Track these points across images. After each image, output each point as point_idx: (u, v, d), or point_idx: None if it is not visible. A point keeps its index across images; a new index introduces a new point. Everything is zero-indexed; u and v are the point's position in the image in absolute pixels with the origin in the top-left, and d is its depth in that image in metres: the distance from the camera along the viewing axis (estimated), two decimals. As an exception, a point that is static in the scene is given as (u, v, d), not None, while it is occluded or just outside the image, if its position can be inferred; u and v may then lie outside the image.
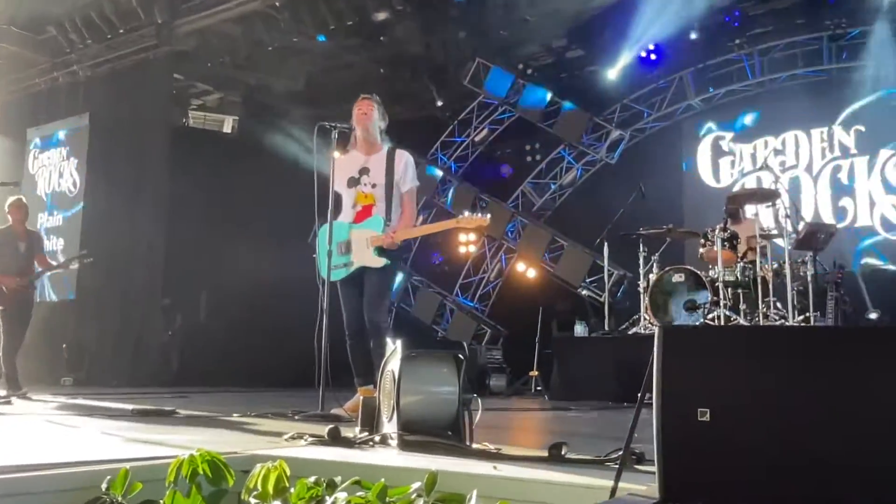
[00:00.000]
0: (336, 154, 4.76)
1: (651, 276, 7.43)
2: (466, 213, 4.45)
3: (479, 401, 3.04)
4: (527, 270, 11.54)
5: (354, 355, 4.65)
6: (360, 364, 4.63)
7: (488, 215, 4.48)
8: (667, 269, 7.38)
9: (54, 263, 7.75)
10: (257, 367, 9.77)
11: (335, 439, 2.85)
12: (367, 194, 4.70)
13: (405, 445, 2.77)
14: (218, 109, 12.96)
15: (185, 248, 9.96)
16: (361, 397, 3.57)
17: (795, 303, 6.61)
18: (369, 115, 4.72)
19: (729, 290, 6.94)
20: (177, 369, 9.85)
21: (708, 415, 1.56)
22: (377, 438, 2.90)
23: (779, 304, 6.76)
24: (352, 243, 4.63)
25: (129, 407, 4.81)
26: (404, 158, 4.74)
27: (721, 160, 10.54)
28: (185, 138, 11.00)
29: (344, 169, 4.74)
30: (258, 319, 10.44)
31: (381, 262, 4.54)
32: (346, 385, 4.72)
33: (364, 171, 4.72)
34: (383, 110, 4.82)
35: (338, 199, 4.78)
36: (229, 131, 13.14)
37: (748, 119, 10.42)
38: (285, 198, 10.49)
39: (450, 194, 11.92)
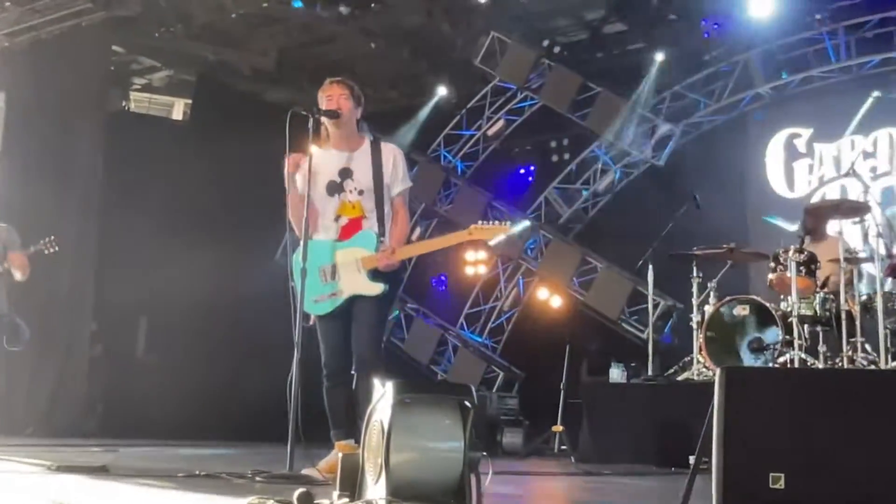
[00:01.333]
0: (314, 148, 4.75)
1: (707, 307, 7.42)
2: (480, 222, 4.46)
3: (490, 461, 3.03)
4: (550, 298, 11.53)
5: (333, 402, 4.64)
6: (340, 413, 4.62)
7: (508, 223, 4.50)
8: (727, 299, 7.36)
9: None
10: (209, 415, 9.73)
11: (307, 506, 2.84)
12: (353, 203, 4.69)
13: (395, 515, 2.76)
14: (166, 91, 13.02)
15: (121, 263, 9.97)
16: (340, 454, 3.56)
17: (889, 344, 6.59)
18: (343, 107, 4.68)
19: (805, 326, 6.92)
20: (105, 415, 9.82)
21: (782, 481, 1.54)
22: (360, 506, 2.89)
23: (868, 346, 6.73)
24: (338, 267, 4.61)
25: (48, 462, 4.79)
26: (392, 153, 4.74)
27: (796, 163, 10.56)
28: (124, 125, 11.05)
29: (320, 171, 4.71)
30: (211, 354, 10.42)
31: (377, 288, 4.53)
32: (319, 440, 4.71)
33: (346, 172, 4.71)
34: (359, 93, 4.80)
35: (314, 210, 4.77)
36: (180, 118, 13.19)
37: (830, 112, 10.43)
38: (249, 202, 10.53)
39: (454, 200, 11.95)
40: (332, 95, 4.71)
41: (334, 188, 4.72)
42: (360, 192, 4.67)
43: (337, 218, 4.70)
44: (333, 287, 4.60)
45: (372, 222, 4.65)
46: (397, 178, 4.70)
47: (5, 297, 7.59)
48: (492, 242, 4.53)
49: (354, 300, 4.58)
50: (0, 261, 7.33)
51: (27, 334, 7.77)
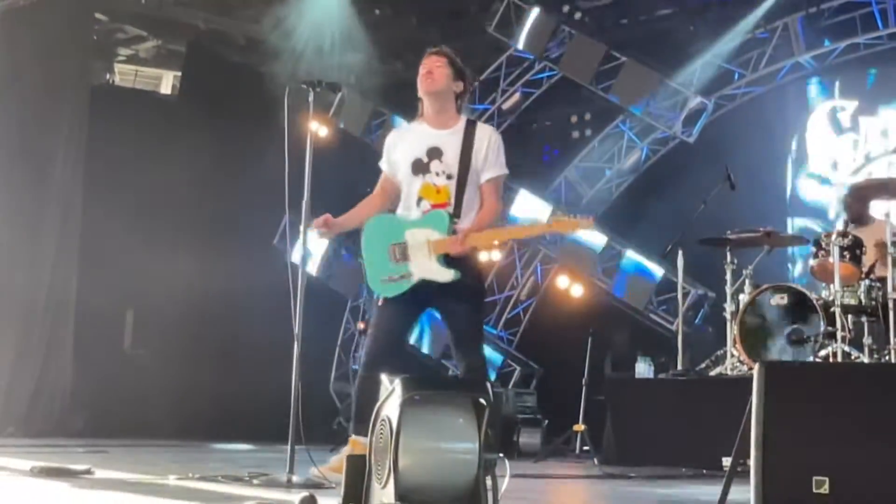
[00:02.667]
0: (401, 123, 4.74)
1: (742, 296, 7.40)
2: (560, 214, 4.41)
3: (507, 463, 3.03)
4: (571, 286, 11.51)
5: (365, 394, 4.44)
6: (370, 407, 4.56)
7: (592, 216, 4.41)
8: (764, 287, 7.35)
9: None
10: (201, 413, 9.77)
11: (309, 512, 2.85)
12: (438, 188, 4.57)
13: (405, 522, 2.77)
14: (154, 62, 13.03)
15: (106, 250, 9.99)
16: (346, 454, 3.56)
17: (941, 336, 6.57)
18: (438, 77, 4.61)
19: (849, 317, 6.89)
20: (92, 414, 9.87)
21: (827, 485, 1.54)
22: (366, 512, 2.89)
23: (918, 338, 6.71)
24: (409, 248, 4.53)
25: (28, 465, 4.82)
26: (488, 135, 4.63)
27: (840, 139, 10.50)
28: (108, 101, 11.05)
29: (406, 145, 4.66)
30: (204, 349, 10.45)
31: (448, 274, 4.43)
32: (322, 441, 4.72)
33: (435, 152, 4.60)
34: (461, 67, 4.71)
35: (389, 186, 4.72)
36: (169, 92, 13.19)
37: (877, 83, 10.37)
38: (244, 182, 10.53)
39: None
40: (428, 64, 4.64)
41: (419, 167, 4.60)
42: (449, 177, 4.55)
43: (419, 201, 4.58)
44: (404, 269, 4.49)
45: (452, 207, 4.54)
46: (489, 162, 4.56)
47: None
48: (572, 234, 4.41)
49: (432, 290, 4.50)
50: None
51: None
